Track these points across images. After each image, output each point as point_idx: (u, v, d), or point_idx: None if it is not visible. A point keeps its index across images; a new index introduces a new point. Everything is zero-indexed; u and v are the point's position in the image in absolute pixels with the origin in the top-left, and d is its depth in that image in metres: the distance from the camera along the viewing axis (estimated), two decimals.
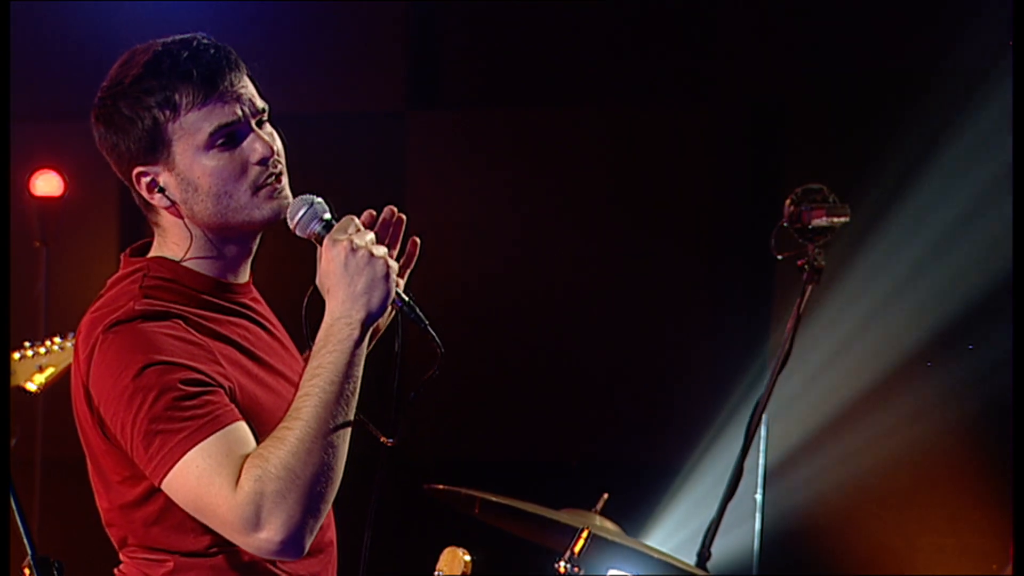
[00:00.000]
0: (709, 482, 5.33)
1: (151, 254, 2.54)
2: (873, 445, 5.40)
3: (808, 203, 4.24)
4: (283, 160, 2.51)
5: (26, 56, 5.31)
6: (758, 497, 4.50)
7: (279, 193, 2.48)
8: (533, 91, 6.16)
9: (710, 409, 5.57)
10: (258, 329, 2.56)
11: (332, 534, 2.60)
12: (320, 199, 2.50)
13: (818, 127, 5.70)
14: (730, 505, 4.13)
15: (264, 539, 2.29)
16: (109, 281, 2.53)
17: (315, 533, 2.34)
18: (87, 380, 2.40)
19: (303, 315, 2.49)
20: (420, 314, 2.47)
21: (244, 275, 2.57)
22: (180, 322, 2.40)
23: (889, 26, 5.51)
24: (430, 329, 2.46)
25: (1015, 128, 4.08)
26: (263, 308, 2.63)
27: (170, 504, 2.39)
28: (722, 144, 5.91)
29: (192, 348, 2.38)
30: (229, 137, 2.45)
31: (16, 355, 5.15)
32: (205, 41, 2.47)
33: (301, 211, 2.49)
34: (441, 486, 3.85)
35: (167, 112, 2.43)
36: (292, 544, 2.30)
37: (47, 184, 6.01)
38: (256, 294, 2.63)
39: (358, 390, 2.39)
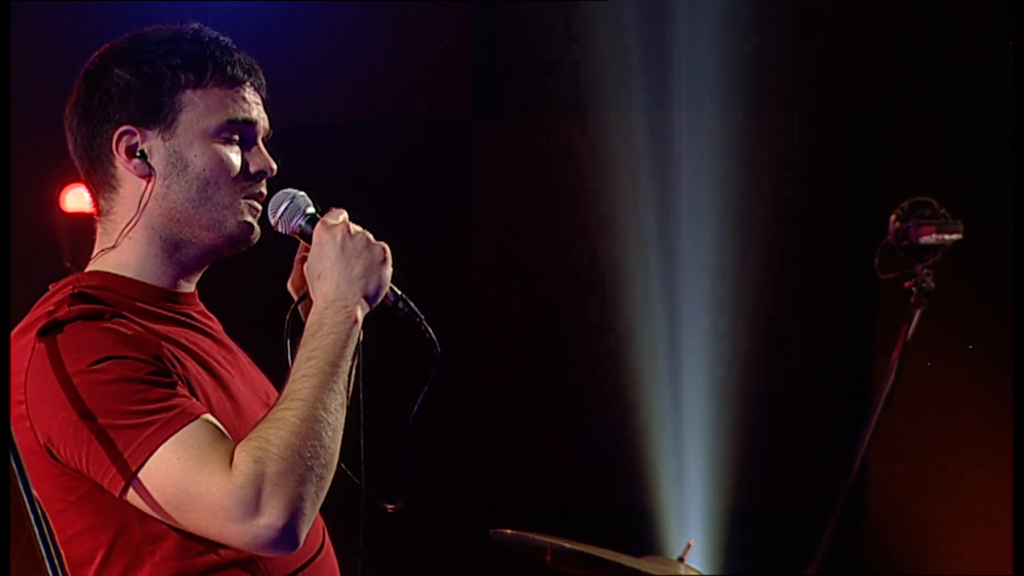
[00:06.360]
0: (805, 527, 5.24)
1: (90, 265, 2.50)
2: (994, 491, 5.27)
3: (916, 218, 4.28)
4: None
5: (60, 65, 5.30)
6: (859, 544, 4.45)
7: (257, 214, 2.49)
8: (600, 97, 6.14)
9: (807, 448, 5.51)
10: (204, 338, 2.51)
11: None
12: (303, 193, 2.51)
13: (926, 133, 5.61)
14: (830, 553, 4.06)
15: (263, 526, 2.23)
16: (35, 305, 2.46)
17: (310, 525, 2.29)
18: (25, 395, 2.31)
19: (285, 334, 2.51)
20: (414, 308, 2.51)
21: (189, 286, 2.54)
22: (122, 320, 2.34)
23: (1001, 25, 5.41)
24: (426, 324, 2.51)
25: (1015, 128, 4.02)
26: (210, 320, 2.60)
27: (118, 540, 2.33)
28: (817, 152, 5.85)
29: (142, 343, 2.32)
30: (240, 135, 2.47)
31: None
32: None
33: (283, 205, 2.50)
34: (510, 531, 3.85)
35: (190, 76, 2.44)
36: (290, 533, 2.25)
37: (78, 199, 5.96)
38: (203, 307, 2.59)
39: (349, 377, 2.41)
